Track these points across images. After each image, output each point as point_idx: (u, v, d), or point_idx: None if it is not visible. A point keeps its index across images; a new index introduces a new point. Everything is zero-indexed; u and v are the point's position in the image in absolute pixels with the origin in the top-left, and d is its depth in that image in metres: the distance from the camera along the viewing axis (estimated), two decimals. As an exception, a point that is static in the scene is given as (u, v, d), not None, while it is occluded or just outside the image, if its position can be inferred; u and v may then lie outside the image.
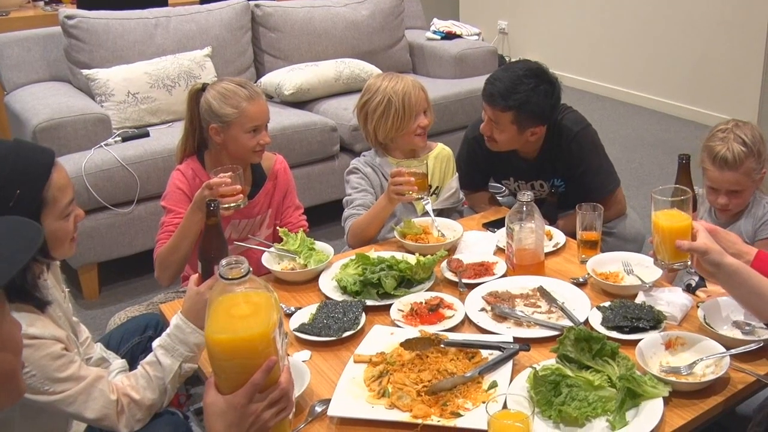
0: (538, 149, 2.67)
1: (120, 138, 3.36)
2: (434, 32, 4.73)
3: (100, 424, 1.59)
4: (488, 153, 2.68)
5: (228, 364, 1.18)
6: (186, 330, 1.67)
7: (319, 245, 2.27)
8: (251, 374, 1.17)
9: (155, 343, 1.69)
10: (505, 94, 2.47)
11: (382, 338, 1.82)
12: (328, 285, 2.10)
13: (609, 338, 1.67)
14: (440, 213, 2.54)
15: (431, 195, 2.56)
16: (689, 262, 1.71)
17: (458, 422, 1.52)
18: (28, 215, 1.28)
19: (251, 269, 1.18)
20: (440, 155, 2.62)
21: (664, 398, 1.53)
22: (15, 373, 1.03)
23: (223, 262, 1.17)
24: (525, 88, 2.47)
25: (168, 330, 1.70)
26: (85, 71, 3.61)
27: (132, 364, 1.98)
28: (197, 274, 1.72)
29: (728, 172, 2.20)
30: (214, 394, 1.19)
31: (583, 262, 2.17)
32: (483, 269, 2.16)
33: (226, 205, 2.15)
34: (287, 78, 3.94)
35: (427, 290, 2.05)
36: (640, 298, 1.94)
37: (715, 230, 1.76)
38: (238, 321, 1.16)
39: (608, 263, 2.13)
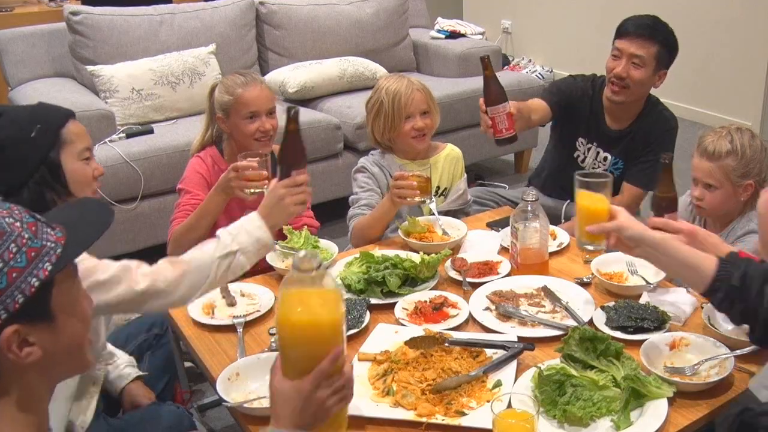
0: (629, 121, 2.81)
1: (124, 134, 3.37)
2: (438, 31, 4.73)
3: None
4: (591, 98, 2.81)
5: (297, 350, 1.25)
6: (256, 222, 1.70)
7: (323, 243, 2.27)
8: (317, 362, 1.23)
9: (220, 230, 1.72)
10: (654, 26, 2.67)
11: (386, 337, 1.82)
12: (332, 283, 2.10)
13: (613, 338, 1.67)
14: (447, 214, 2.53)
15: (439, 196, 2.56)
16: (603, 246, 1.75)
17: (463, 421, 1.52)
18: (46, 148, 1.64)
19: (323, 263, 1.25)
20: (449, 156, 2.61)
21: (669, 399, 1.53)
22: (83, 346, 1.10)
23: (300, 253, 1.24)
24: (666, 27, 2.71)
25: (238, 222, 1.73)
26: (89, 67, 3.61)
27: (138, 362, 1.99)
28: (276, 179, 1.79)
29: (705, 161, 2.22)
30: (280, 379, 1.25)
31: (588, 262, 2.16)
32: (487, 268, 2.16)
33: (251, 190, 2.17)
34: (291, 76, 3.95)
35: (431, 289, 2.05)
36: (645, 299, 1.94)
37: (695, 231, 1.80)
38: (310, 309, 1.24)
39: (612, 263, 2.13)
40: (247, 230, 1.69)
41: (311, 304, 1.24)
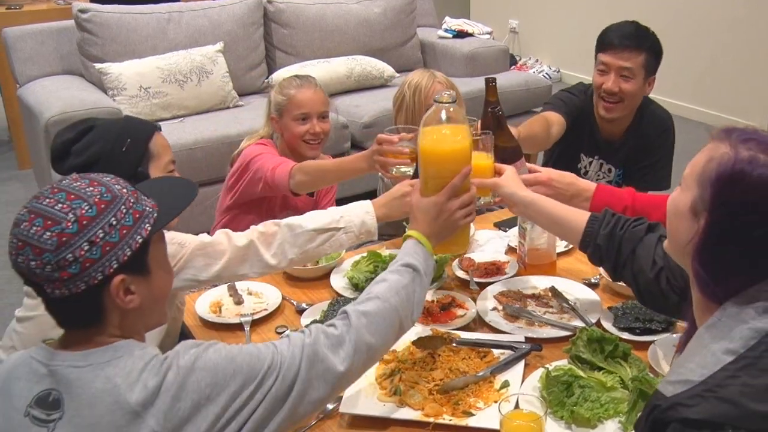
0: (624, 129, 2.71)
1: (132, 132, 3.37)
2: (446, 30, 4.73)
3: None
4: (588, 111, 2.70)
5: (435, 170, 1.53)
6: (365, 207, 1.80)
7: (331, 242, 2.27)
8: (450, 180, 1.51)
9: (333, 207, 1.84)
10: (638, 35, 2.55)
11: (393, 336, 1.82)
12: (339, 282, 2.10)
13: (621, 339, 1.67)
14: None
15: None
16: (492, 199, 1.86)
17: (470, 421, 1.51)
18: (136, 162, 1.73)
19: (456, 99, 1.52)
20: None
21: (677, 400, 1.53)
22: (165, 299, 1.29)
23: (444, 93, 1.53)
24: (649, 32, 2.58)
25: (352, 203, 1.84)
26: (97, 65, 3.62)
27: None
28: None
29: None
30: (419, 196, 1.55)
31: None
32: (494, 268, 2.16)
33: (397, 168, 2.04)
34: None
35: (438, 289, 2.05)
36: (653, 300, 1.93)
37: (550, 178, 1.86)
38: (447, 136, 1.54)
39: (620, 264, 2.12)
40: (356, 213, 1.78)
41: (448, 133, 1.54)
